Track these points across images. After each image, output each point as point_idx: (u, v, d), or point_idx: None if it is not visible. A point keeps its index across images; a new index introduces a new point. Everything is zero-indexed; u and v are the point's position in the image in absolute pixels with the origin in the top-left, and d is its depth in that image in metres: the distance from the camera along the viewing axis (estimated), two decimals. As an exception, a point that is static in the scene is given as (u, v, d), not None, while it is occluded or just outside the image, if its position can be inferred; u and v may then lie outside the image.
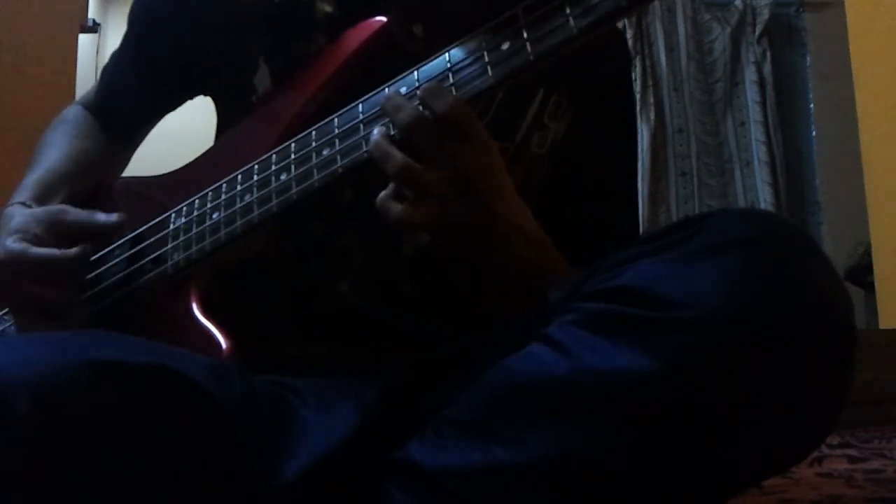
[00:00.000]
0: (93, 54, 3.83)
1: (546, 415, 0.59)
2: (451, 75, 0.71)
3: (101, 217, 0.84)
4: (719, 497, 0.62)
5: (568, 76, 0.86)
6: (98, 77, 1.04)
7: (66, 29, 2.26)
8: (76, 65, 2.25)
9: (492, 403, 0.62)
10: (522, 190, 0.81)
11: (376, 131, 0.70)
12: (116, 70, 1.00)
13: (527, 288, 0.72)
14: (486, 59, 0.69)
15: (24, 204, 0.87)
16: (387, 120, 0.71)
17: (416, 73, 0.73)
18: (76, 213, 0.85)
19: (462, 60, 0.71)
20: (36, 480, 0.56)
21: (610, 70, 0.91)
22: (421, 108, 0.68)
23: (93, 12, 3.90)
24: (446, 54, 0.72)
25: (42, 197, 0.88)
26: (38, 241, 0.82)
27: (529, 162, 0.86)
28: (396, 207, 0.69)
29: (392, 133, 0.70)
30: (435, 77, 0.71)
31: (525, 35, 0.68)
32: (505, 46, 0.69)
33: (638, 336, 0.57)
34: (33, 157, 0.95)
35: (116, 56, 1.01)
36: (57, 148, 0.95)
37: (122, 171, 1.02)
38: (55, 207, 0.86)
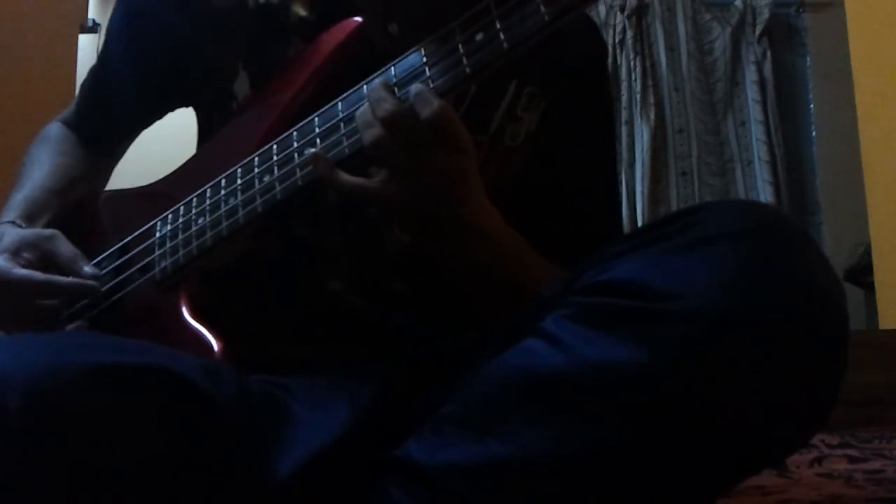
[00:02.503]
0: (93, 54, 3.81)
1: (541, 408, 0.59)
2: (427, 69, 0.72)
3: (85, 268, 0.84)
4: (715, 488, 0.62)
5: (540, 67, 0.87)
6: (81, 82, 1.05)
7: (66, 29, 2.27)
8: (76, 65, 2.25)
9: (488, 399, 0.62)
10: (498, 183, 0.83)
11: (360, 112, 0.72)
12: (95, 85, 1.01)
13: (498, 291, 0.74)
14: (461, 50, 0.70)
15: (13, 223, 0.87)
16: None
17: (392, 68, 0.74)
18: (63, 251, 0.85)
19: (437, 54, 0.72)
20: (30, 480, 0.56)
21: (582, 60, 0.91)
22: (409, 109, 0.69)
23: (93, 12, 3.90)
24: (422, 49, 0.73)
25: (30, 214, 0.89)
26: (27, 264, 0.83)
27: (503, 154, 0.86)
28: (345, 177, 0.71)
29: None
30: (412, 72, 0.72)
31: (498, 25, 0.69)
32: (479, 38, 0.70)
33: (632, 328, 0.57)
34: (18, 174, 0.96)
35: (94, 71, 1.01)
36: (40, 165, 0.96)
37: (104, 185, 1.03)
38: (46, 233, 0.86)
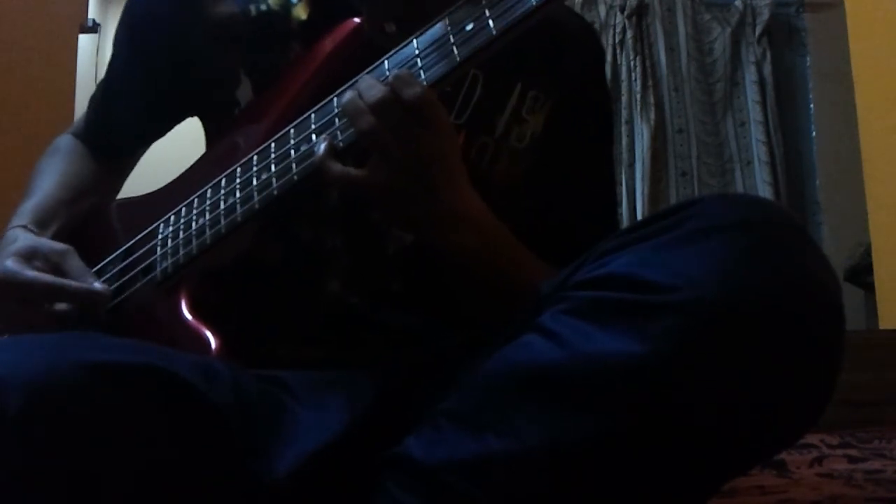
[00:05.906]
0: (93, 54, 3.83)
1: (539, 403, 0.59)
2: (419, 60, 0.73)
3: (95, 284, 0.84)
4: (710, 482, 0.62)
5: (543, 70, 0.89)
6: (90, 96, 1.05)
7: (66, 29, 2.27)
8: (76, 65, 2.25)
9: (485, 394, 0.62)
10: (505, 184, 0.85)
11: (347, 95, 0.73)
12: (103, 97, 1.01)
13: (486, 280, 0.75)
14: (452, 40, 0.72)
15: (25, 227, 0.88)
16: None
17: (386, 62, 0.75)
18: (74, 266, 0.84)
19: (429, 46, 0.73)
20: (28, 480, 0.56)
21: (581, 63, 0.94)
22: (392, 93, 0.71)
23: (93, 12, 3.90)
24: (414, 41, 0.74)
25: (40, 221, 0.90)
26: (38, 271, 0.83)
27: (510, 156, 0.88)
28: (337, 166, 0.72)
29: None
30: (404, 63, 0.73)
31: (487, 13, 0.71)
32: (469, 27, 0.71)
33: (628, 321, 0.57)
34: (29, 184, 0.97)
35: (102, 84, 1.02)
36: (50, 176, 0.97)
37: (115, 195, 1.03)
38: (60, 247, 0.86)
